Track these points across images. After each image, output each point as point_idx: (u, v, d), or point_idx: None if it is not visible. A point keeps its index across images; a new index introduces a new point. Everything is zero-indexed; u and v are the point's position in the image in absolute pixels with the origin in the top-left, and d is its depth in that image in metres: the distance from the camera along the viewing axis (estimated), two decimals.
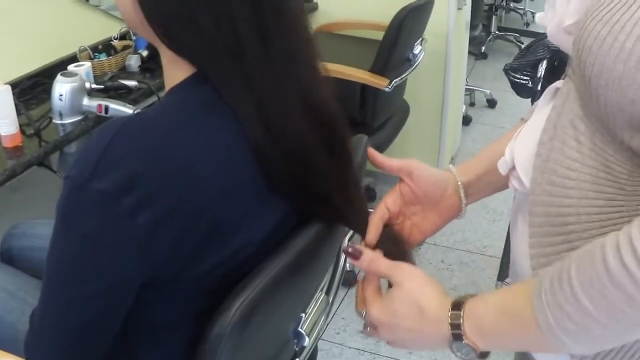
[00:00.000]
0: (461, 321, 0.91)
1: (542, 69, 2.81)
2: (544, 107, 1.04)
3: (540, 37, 2.79)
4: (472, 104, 5.04)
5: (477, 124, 4.75)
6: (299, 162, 1.05)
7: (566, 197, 0.90)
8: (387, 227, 1.15)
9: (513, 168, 1.04)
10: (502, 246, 2.94)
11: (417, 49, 3.05)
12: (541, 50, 2.85)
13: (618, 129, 0.84)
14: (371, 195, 3.55)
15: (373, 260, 1.04)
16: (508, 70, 2.93)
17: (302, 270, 1.12)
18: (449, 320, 0.92)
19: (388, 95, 2.88)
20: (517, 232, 1.04)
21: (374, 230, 1.13)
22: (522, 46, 3.30)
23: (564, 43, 0.95)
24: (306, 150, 1.05)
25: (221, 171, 0.98)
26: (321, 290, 1.41)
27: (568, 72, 0.97)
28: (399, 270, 1.00)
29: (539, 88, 2.71)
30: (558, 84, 1.02)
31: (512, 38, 6.39)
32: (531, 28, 6.87)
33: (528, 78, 2.87)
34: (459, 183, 1.16)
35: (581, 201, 0.88)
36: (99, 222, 0.92)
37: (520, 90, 2.92)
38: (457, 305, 0.93)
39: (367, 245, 1.13)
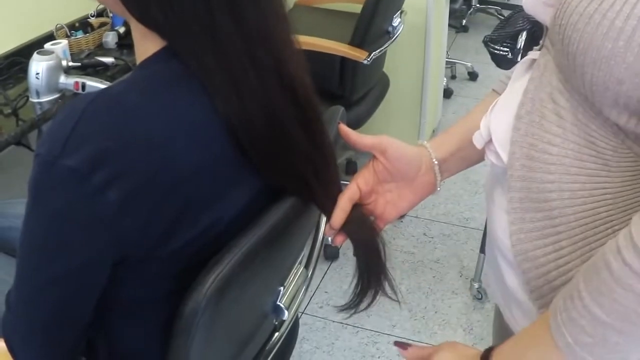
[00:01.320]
0: None
1: (521, 40, 2.80)
2: (519, 78, 1.02)
3: (520, 8, 2.78)
4: (453, 77, 5.03)
5: (459, 96, 4.74)
6: (272, 137, 1.04)
7: (547, 172, 0.89)
8: (357, 208, 1.13)
9: (489, 141, 1.02)
10: (484, 218, 2.95)
11: (396, 22, 3.04)
12: (521, 22, 2.85)
13: (604, 106, 0.83)
14: (352, 169, 3.55)
15: (418, 354, 1.07)
16: (488, 42, 2.92)
17: (276, 244, 1.11)
18: None
19: (367, 68, 2.87)
20: (494, 207, 1.02)
21: (340, 212, 1.11)
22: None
23: (542, 15, 0.94)
24: (280, 126, 1.04)
25: (192, 146, 0.97)
26: (300, 263, 1.41)
27: (545, 44, 0.96)
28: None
29: (519, 59, 2.70)
30: (533, 54, 1.01)
31: (493, 11, 6.34)
32: (512, 1, 6.83)
33: (508, 49, 2.86)
34: (434, 160, 1.15)
35: (563, 177, 0.88)
36: (70, 200, 0.91)
37: (500, 61, 2.91)
38: (485, 356, 0.94)
39: (332, 228, 1.12)
